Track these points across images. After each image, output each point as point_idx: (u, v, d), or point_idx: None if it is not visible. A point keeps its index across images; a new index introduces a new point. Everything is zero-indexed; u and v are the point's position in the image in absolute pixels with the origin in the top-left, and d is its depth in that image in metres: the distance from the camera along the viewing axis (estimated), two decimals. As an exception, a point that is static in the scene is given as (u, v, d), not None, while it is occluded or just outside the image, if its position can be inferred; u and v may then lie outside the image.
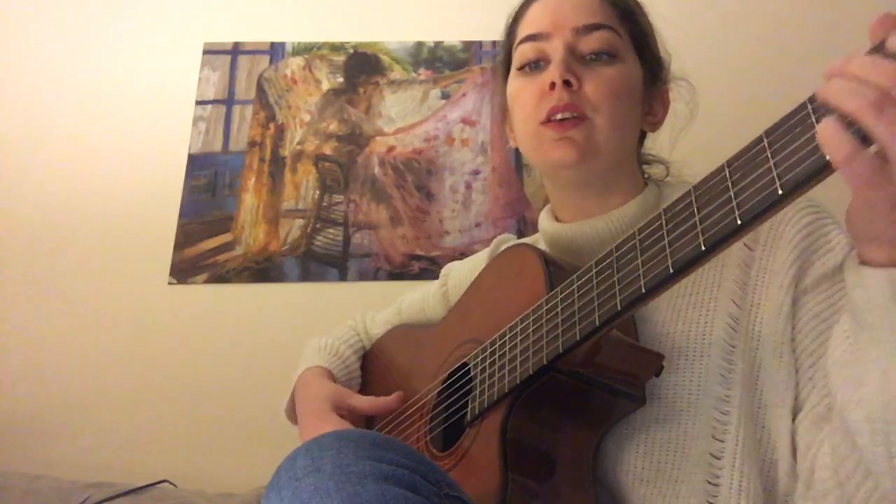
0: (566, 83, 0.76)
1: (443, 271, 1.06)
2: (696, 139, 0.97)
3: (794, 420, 0.65)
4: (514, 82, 0.84)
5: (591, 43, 0.79)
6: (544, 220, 0.88)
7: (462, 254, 1.48)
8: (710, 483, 0.64)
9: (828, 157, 0.42)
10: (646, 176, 0.89)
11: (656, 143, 0.93)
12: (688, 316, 0.71)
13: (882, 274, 0.47)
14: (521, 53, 0.82)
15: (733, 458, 0.64)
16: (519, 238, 1.02)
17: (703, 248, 0.49)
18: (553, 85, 0.76)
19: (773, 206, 0.45)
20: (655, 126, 0.88)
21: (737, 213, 0.47)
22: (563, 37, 0.79)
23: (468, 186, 1.62)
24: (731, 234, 0.48)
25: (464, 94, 1.70)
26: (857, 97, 0.41)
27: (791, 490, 0.64)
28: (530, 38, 0.81)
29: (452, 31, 1.76)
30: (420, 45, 1.76)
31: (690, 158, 0.93)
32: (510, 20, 0.90)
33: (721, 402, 0.66)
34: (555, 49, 0.79)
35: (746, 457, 0.64)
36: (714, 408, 0.66)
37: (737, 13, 1.75)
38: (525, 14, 0.85)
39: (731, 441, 0.64)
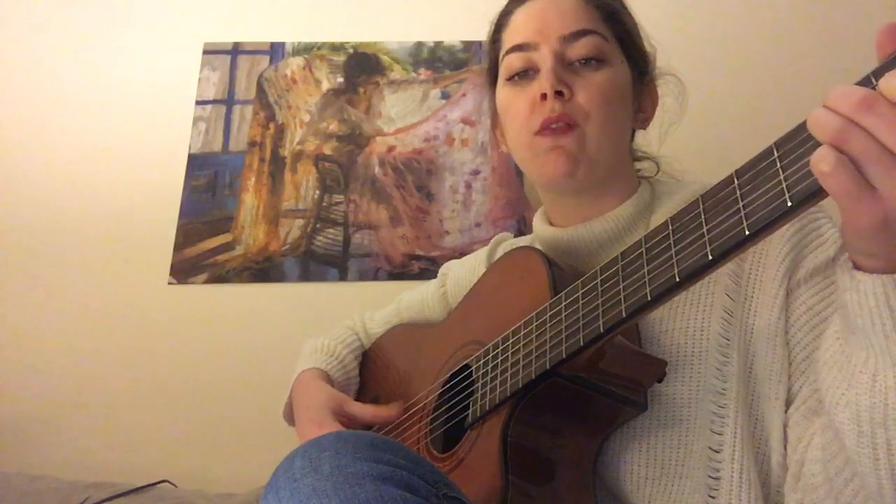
0: (557, 93, 0.76)
1: (441, 270, 1.06)
2: (685, 134, 0.97)
3: (786, 412, 0.66)
4: (504, 92, 0.83)
5: (578, 49, 0.78)
6: (539, 224, 0.88)
7: (462, 254, 1.47)
8: (710, 477, 0.65)
9: (811, 168, 0.42)
10: (638, 171, 0.89)
11: (646, 138, 0.93)
12: (685, 312, 0.72)
13: (875, 280, 0.47)
14: (509, 64, 0.82)
15: (732, 450, 0.64)
16: (517, 237, 1.02)
17: (711, 257, 0.49)
18: (544, 96, 0.76)
19: (782, 217, 0.45)
20: (646, 122, 0.88)
21: (745, 223, 0.47)
22: (550, 45, 0.78)
23: (468, 186, 1.62)
24: (740, 245, 0.48)
25: (464, 94, 1.70)
26: (828, 128, 0.42)
27: (782, 482, 0.65)
28: (517, 48, 0.81)
29: (452, 31, 1.76)
30: (420, 45, 1.76)
31: (680, 153, 0.94)
32: (493, 28, 0.89)
33: (718, 396, 0.67)
34: (543, 58, 0.78)
35: (745, 449, 0.64)
36: (712, 402, 0.67)
37: (726, 9, 1.75)
38: (509, 22, 0.85)
39: (729, 434, 0.65)
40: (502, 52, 0.84)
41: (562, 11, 0.80)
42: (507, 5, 0.87)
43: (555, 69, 0.77)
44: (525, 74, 0.81)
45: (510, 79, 0.82)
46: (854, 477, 0.54)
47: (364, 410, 0.90)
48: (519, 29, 0.82)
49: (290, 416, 0.98)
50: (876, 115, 0.40)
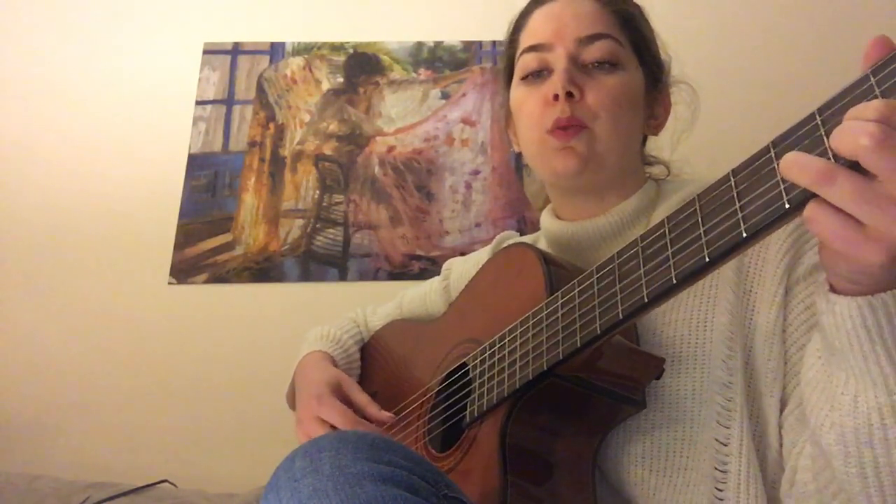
0: (569, 94, 0.76)
1: (445, 266, 1.07)
2: (696, 139, 0.98)
3: (781, 412, 0.66)
4: (518, 91, 0.84)
5: (592, 52, 0.79)
6: (546, 219, 0.88)
7: (462, 253, 1.48)
8: (717, 469, 0.65)
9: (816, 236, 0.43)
10: (647, 175, 0.89)
11: (658, 144, 0.93)
12: (688, 304, 0.72)
13: (850, 302, 0.47)
14: (524, 63, 0.83)
15: (739, 444, 0.64)
16: (522, 236, 1.02)
17: (708, 259, 0.48)
18: (556, 96, 0.77)
19: (780, 219, 0.44)
20: (657, 129, 0.89)
21: (743, 226, 0.46)
22: (565, 47, 0.79)
23: (468, 186, 1.62)
24: (737, 247, 0.47)
25: (464, 94, 1.70)
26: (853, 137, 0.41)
27: (777, 478, 0.65)
28: (532, 48, 0.82)
29: (452, 31, 1.76)
30: (420, 45, 1.76)
31: (690, 157, 0.94)
32: (511, 28, 0.90)
33: (725, 389, 0.67)
34: (557, 59, 0.79)
35: (750, 443, 0.64)
36: (718, 394, 0.66)
37: (736, 15, 1.75)
38: (527, 23, 0.86)
39: (736, 427, 0.65)
40: (518, 52, 0.85)
41: (578, 15, 0.81)
42: (526, 7, 0.88)
43: (567, 70, 0.77)
44: (539, 74, 0.82)
45: (524, 78, 0.83)
46: (840, 492, 0.54)
47: (361, 397, 0.89)
48: (536, 30, 0.83)
49: (292, 400, 0.98)
50: (838, 188, 0.40)
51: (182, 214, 1.59)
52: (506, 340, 0.70)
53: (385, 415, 0.87)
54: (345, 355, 1.01)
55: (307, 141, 1.67)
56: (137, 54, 1.76)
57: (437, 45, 1.76)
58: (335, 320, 1.11)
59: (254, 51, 1.76)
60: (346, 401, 0.90)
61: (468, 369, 0.76)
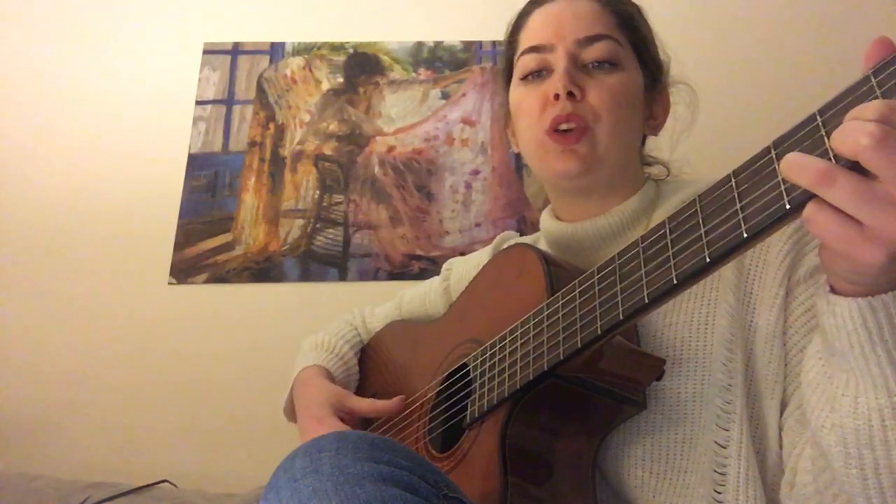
0: (570, 94, 0.76)
1: (445, 266, 1.07)
2: (696, 139, 0.98)
3: (781, 414, 0.66)
4: (518, 91, 0.85)
5: (592, 53, 0.79)
6: (546, 220, 0.89)
7: (462, 254, 1.48)
8: (716, 472, 0.65)
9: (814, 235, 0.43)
10: (646, 175, 0.89)
11: (657, 144, 0.93)
12: (689, 306, 0.72)
13: (851, 303, 0.47)
14: (524, 64, 0.83)
15: (739, 446, 0.65)
16: (522, 236, 1.02)
17: (709, 260, 0.48)
18: (557, 96, 0.77)
19: (780, 220, 0.44)
20: (657, 129, 0.89)
21: (743, 226, 0.46)
22: (565, 47, 0.79)
23: (468, 186, 1.62)
24: (737, 248, 0.47)
25: (464, 94, 1.70)
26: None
27: (777, 480, 0.65)
28: (532, 49, 0.82)
29: (452, 31, 1.76)
30: (420, 45, 1.76)
31: (690, 157, 0.94)
32: (510, 29, 0.90)
33: (725, 392, 0.67)
34: (557, 59, 0.80)
35: (749, 445, 0.64)
36: (718, 396, 0.67)
37: (736, 15, 1.75)
38: (526, 24, 0.86)
39: (735, 430, 0.65)
40: (518, 53, 0.85)
41: (578, 15, 0.81)
42: (524, 7, 0.89)
43: (568, 70, 0.78)
44: (539, 74, 0.82)
45: (524, 78, 0.83)
46: (841, 493, 0.55)
47: (363, 405, 0.90)
48: (535, 31, 0.83)
49: (290, 413, 0.98)
50: (837, 189, 0.40)
51: (182, 214, 1.59)
52: (506, 341, 0.70)
53: (392, 403, 0.87)
54: (342, 365, 1.01)
55: (307, 141, 1.67)
56: (137, 54, 1.76)
57: (437, 45, 1.76)
58: (334, 321, 1.11)
59: (254, 51, 1.76)
60: (349, 414, 0.90)
61: (469, 370, 0.76)
